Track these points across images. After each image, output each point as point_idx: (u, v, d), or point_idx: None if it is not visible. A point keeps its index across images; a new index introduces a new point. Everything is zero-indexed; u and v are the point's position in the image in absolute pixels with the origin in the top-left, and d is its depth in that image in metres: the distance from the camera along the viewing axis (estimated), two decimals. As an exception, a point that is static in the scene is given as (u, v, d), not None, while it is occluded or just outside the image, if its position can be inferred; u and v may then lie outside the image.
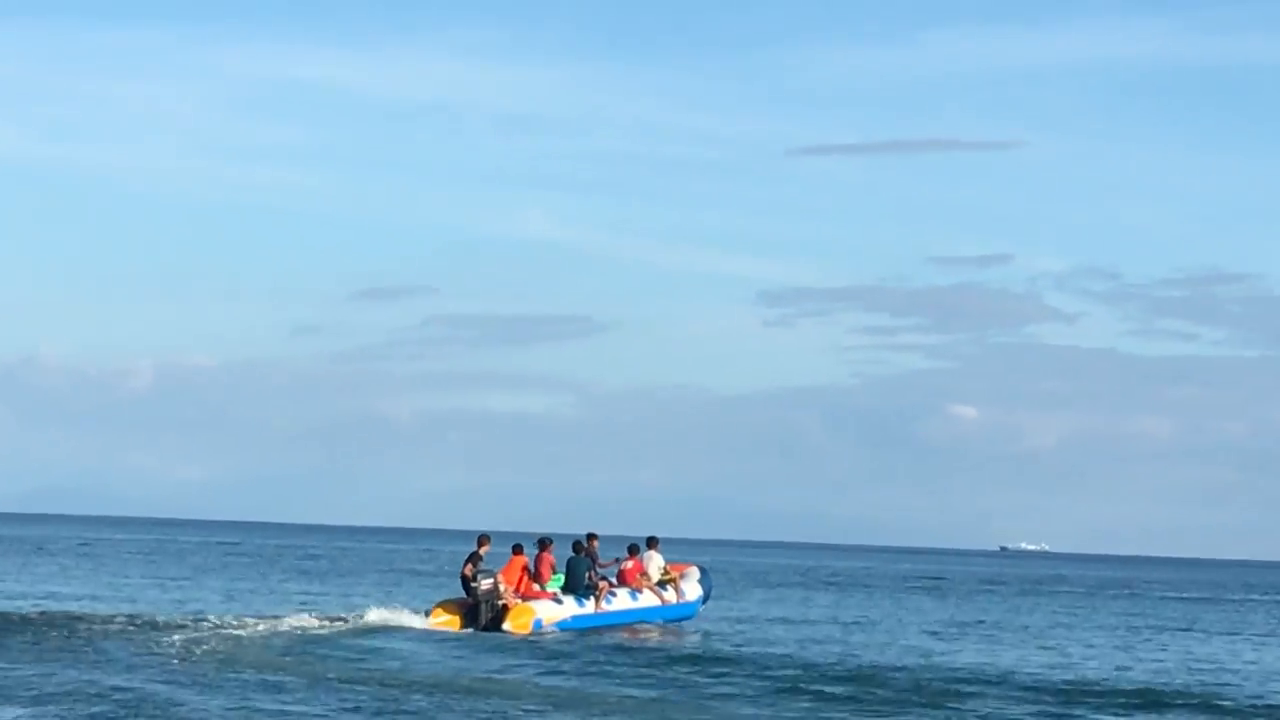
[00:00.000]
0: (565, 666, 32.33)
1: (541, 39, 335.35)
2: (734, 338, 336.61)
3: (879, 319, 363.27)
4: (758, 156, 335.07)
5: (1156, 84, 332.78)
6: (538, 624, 39.48)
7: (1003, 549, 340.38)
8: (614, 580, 42.39)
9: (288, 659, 31.45)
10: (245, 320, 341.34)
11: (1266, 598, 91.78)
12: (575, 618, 40.40)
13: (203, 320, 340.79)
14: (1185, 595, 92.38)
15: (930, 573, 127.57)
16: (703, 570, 45.22)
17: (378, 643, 35.62)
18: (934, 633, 47.96)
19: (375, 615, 40.11)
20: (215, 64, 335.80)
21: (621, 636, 39.12)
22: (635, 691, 28.87)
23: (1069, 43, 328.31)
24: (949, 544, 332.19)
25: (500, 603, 39.76)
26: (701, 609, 44.61)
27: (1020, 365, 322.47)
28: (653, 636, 40.24)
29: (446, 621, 39.61)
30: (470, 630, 39.13)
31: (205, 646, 32.58)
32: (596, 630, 40.23)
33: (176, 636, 34.03)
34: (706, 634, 41.72)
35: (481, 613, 39.76)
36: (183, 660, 30.57)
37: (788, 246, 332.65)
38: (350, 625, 38.67)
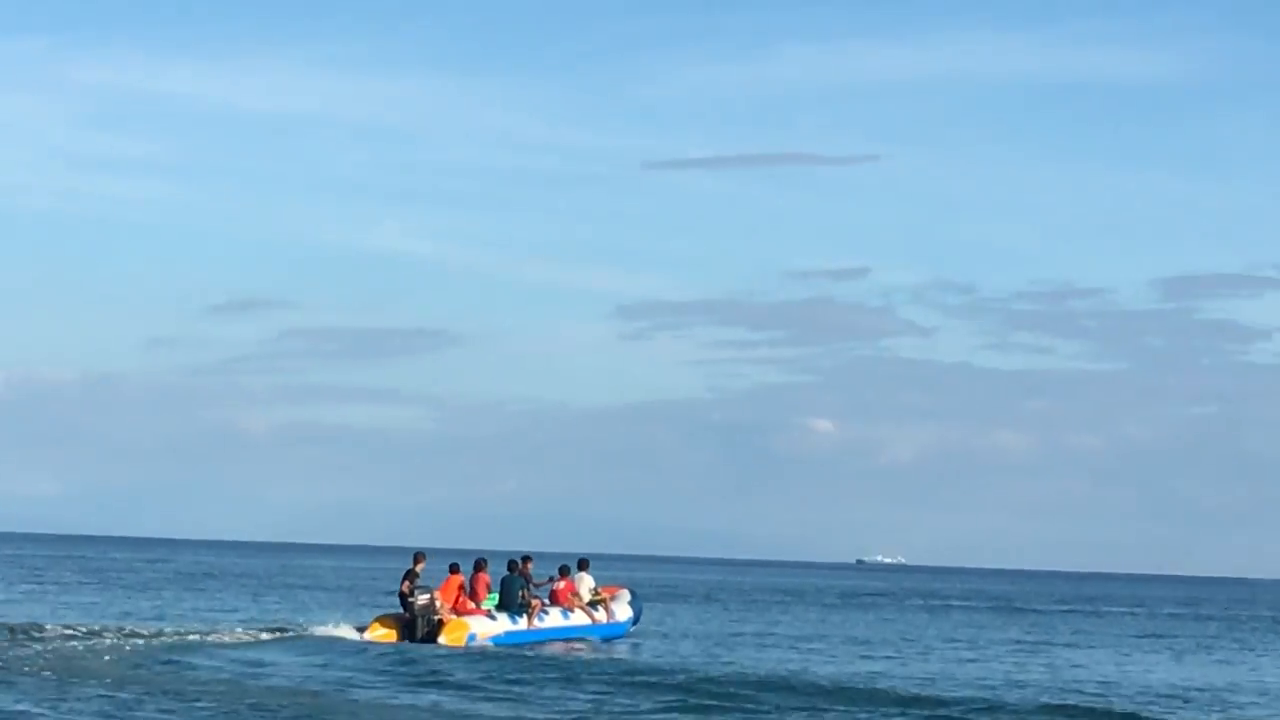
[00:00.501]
0: (449, 679, 32.19)
1: (400, 52, 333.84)
2: (591, 351, 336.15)
3: (736, 332, 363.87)
4: (615, 170, 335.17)
5: (1010, 99, 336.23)
6: (471, 638, 39.86)
7: (859, 562, 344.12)
8: (547, 599, 42.88)
9: (140, 671, 31.24)
10: (100, 333, 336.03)
11: (1114, 609, 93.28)
12: (508, 634, 40.83)
13: (57, 333, 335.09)
14: (1039, 609, 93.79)
15: (788, 586, 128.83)
16: (633, 593, 46.02)
17: (248, 655, 35.48)
18: (798, 645, 48.65)
19: (242, 630, 40.31)
20: (70, 75, 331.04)
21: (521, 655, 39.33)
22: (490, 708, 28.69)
23: (924, 58, 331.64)
24: (806, 557, 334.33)
25: (436, 618, 40.12)
26: (632, 629, 45.21)
27: (877, 378, 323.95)
28: (578, 653, 40.64)
29: (383, 635, 39.88)
30: (405, 643, 39.40)
31: (52, 658, 32.18)
32: (529, 646, 40.64)
33: (21, 650, 33.49)
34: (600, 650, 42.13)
35: (418, 627, 40.09)
36: (26, 672, 30.04)
37: (645, 260, 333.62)
38: (206, 639, 38.44)
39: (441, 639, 39.45)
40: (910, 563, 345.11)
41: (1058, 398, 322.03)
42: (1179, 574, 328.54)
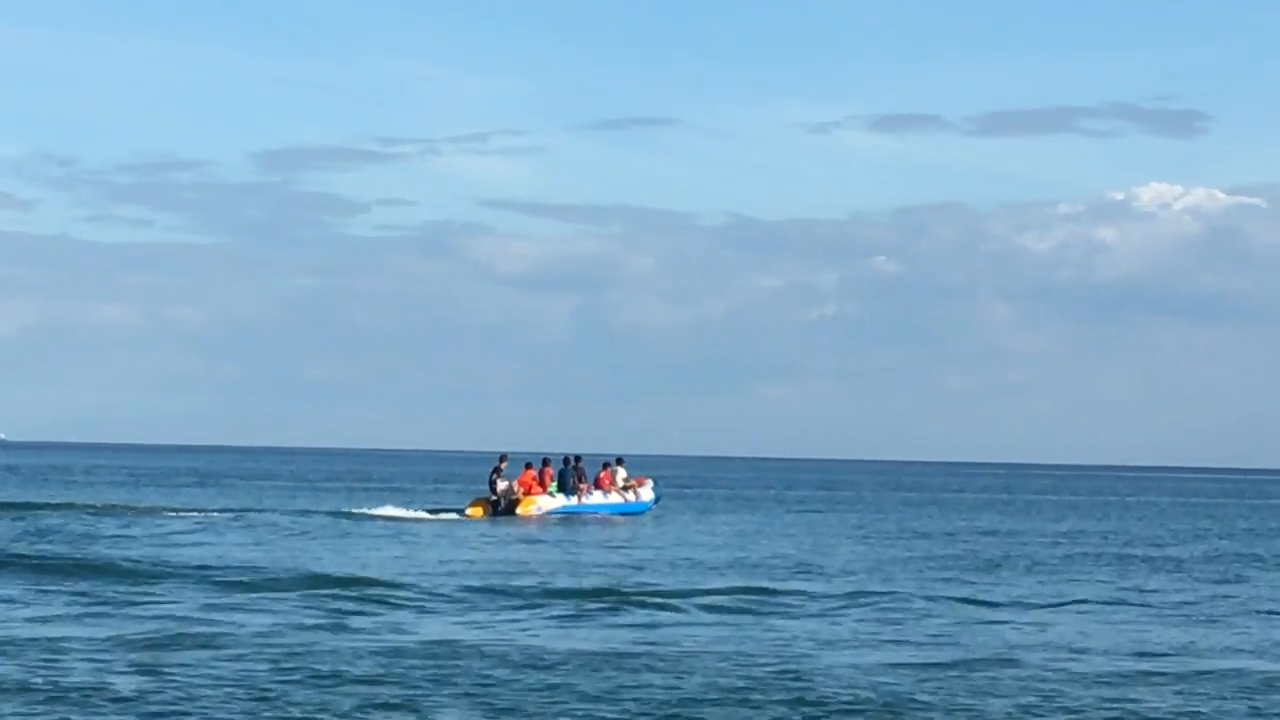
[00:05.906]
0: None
1: None
2: None
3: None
4: None
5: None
6: (538, 509, 58.85)
7: None
8: (593, 484, 61.97)
9: None
10: None
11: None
12: (563, 507, 59.91)
13: None
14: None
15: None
16: (655, 481, 65.13)
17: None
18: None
19: None
20: None
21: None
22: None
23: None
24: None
25: (514, 497, 59.27)
26: (654, 507, 64.32)
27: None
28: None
29: (475, 512, 58.84)
30: (492, 517, 58.33)
31: None
32: (578, 515, 59.61)
33: None
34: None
35: (500, 504, 59.23)
36: None
37: None
38: None
39: (518, 511, 58.57)
40: (10, 439, 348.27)
41: (159, 271, 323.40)
42: (286, 446, 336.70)
